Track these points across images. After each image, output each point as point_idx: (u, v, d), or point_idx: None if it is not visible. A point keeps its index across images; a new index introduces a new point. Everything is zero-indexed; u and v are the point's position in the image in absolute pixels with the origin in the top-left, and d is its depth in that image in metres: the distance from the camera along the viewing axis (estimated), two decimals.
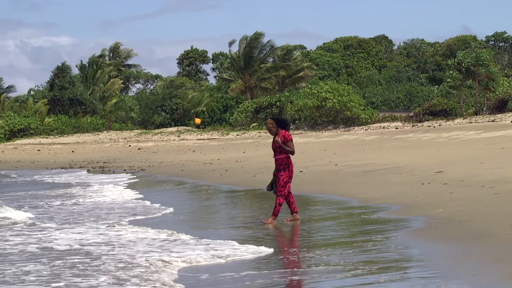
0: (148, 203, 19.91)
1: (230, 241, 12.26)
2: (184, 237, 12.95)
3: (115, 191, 24.29)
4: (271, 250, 11.36)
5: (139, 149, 57.41)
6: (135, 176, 32.22)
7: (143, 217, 16.64)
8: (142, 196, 22.13)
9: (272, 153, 14.89)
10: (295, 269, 10.01)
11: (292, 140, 14.54)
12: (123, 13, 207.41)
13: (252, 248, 11.55)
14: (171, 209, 17.95)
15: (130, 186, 26.64)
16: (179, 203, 19.84)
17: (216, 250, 11.46)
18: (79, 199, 21.72)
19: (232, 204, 19.62)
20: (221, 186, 24.55)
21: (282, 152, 14.61)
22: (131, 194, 22.83)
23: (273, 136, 14.83)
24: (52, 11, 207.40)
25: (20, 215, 16.89)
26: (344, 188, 19.87)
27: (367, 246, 11.15)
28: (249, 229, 13.98)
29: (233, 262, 10.61)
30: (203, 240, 12.51)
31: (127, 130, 79.31)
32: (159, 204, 19.10)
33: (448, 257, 9.92)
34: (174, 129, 77.34)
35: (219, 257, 10.87)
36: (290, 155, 14.59)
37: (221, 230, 14.22)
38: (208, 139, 64.95)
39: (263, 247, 11.57)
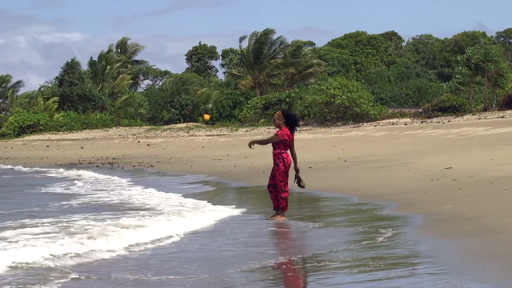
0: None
1: None
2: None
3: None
4: None
5: (148, 145, 57.47)
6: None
7: None
8: None
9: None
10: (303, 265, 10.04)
11: (279, 136, 14.76)
12: (134, 10, 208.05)
13: None
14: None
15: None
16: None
17: None
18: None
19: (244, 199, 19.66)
20: (230, 182, 24.59)
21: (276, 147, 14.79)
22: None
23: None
24: (66, 7, 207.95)
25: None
26: (353, 184, 19.87)
27: (376, 242, 11.17)
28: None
29: None
30: None
31: (136, 126, 79.35)
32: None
33: (457, 253, 9.93)
34: (183, 125, 77.36)
35: None
36: (286, 150, 14.73)
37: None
38: (217, 135, 65.01)
39: None
